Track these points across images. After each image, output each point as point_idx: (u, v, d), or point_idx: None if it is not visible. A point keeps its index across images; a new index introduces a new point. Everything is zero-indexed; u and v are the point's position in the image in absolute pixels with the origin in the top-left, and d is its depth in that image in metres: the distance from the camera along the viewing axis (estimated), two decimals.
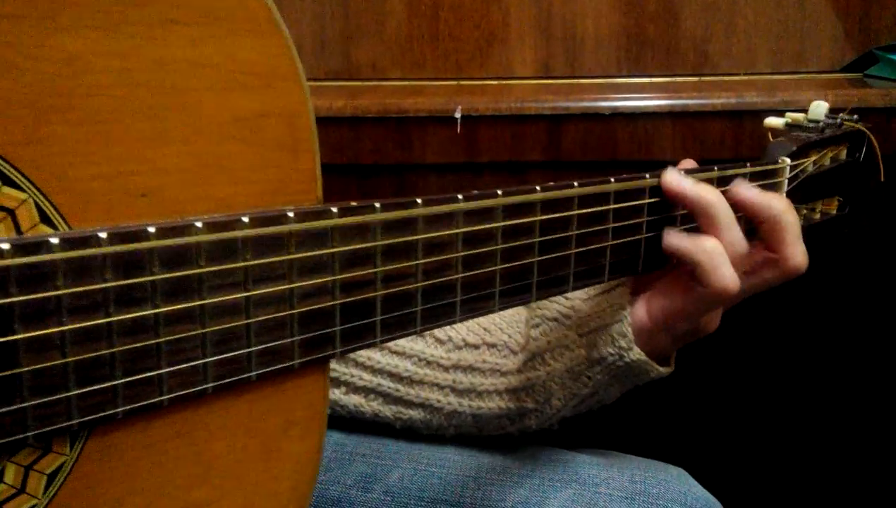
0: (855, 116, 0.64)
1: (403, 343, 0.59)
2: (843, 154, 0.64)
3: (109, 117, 0.30)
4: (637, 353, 0.52)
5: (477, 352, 0.59)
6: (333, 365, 0.59)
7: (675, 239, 0.49)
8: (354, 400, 0.60)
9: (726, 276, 0.48)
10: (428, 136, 0.82)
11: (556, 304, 0.57)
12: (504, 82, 0.94)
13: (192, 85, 0.31)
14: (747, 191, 0.51)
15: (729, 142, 0.79)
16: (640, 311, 0.53)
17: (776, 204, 0.51)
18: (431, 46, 0.95)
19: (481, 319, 0.60)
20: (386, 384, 0.59)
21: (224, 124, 0.32)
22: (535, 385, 0.57)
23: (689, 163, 0.58)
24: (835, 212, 0.64)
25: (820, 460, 1.16)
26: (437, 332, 0.59)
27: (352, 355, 0.59)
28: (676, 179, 0.49)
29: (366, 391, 0.59)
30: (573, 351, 0.55)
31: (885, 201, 0.75)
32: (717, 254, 0.48)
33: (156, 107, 0.31)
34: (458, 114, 0.81)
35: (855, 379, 1.11)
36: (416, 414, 0.59)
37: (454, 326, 0.60)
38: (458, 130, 0.82)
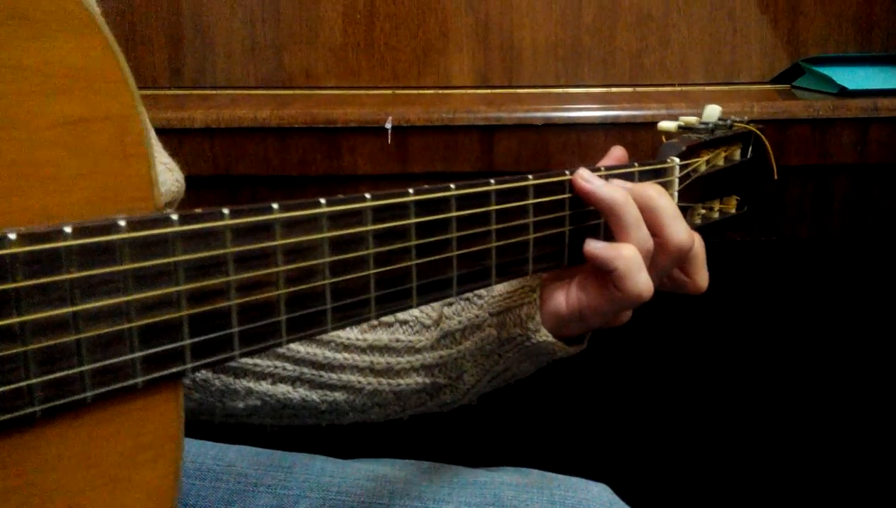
0: (745, 118, 0.66)
1: None
2: (737, 154, 0.65)
3: None
4: (543, 335, 0.54)
5: (391, 331, 0.59)
6: (256, 359, 0.59)
7: (594, 246, 0.50)
8: (282, 389, 0.60)
9: (641, 283, 0.49)
10: (358, 147, 0.80)
11: None
12: (441, 92, 0.93)
13: (3, 90, 0.29)
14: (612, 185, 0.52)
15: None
16: (559, 298, 0.54)
17: (649, 191, 0.51)
18: (367, 55, 0.94)
19: None
20: (309, 372, 0.59)
21: (41, 130, 0.30)
22: (447, 362, 0.57)
23: (618, 150, 0.59)
24: (734, 211, 0.66)
25: (742, 466, 1.16)
26: None
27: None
28: (587, 179, 0.50)
29: (291, 380, 0.60)
30: (484, 330, 0.56)
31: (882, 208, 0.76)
32: (633, 262, 0.49)
33: None
34: (388, 125, 0.80)
35: (770, 389, 1.11)
36: (339, 395, 0.60)
37: None
38: (389, 141, 0.80)
